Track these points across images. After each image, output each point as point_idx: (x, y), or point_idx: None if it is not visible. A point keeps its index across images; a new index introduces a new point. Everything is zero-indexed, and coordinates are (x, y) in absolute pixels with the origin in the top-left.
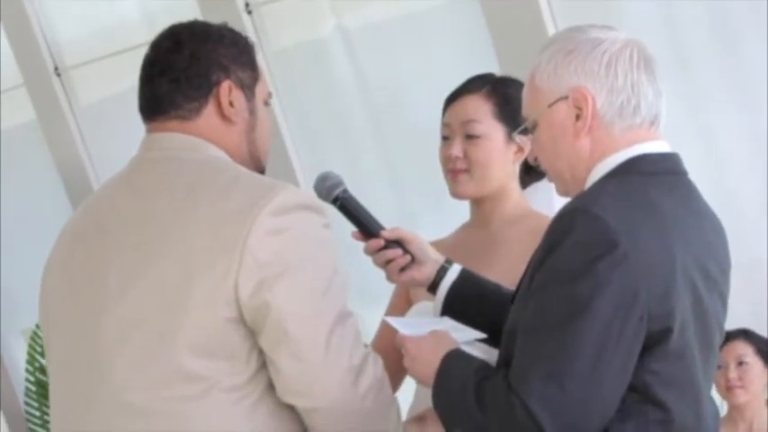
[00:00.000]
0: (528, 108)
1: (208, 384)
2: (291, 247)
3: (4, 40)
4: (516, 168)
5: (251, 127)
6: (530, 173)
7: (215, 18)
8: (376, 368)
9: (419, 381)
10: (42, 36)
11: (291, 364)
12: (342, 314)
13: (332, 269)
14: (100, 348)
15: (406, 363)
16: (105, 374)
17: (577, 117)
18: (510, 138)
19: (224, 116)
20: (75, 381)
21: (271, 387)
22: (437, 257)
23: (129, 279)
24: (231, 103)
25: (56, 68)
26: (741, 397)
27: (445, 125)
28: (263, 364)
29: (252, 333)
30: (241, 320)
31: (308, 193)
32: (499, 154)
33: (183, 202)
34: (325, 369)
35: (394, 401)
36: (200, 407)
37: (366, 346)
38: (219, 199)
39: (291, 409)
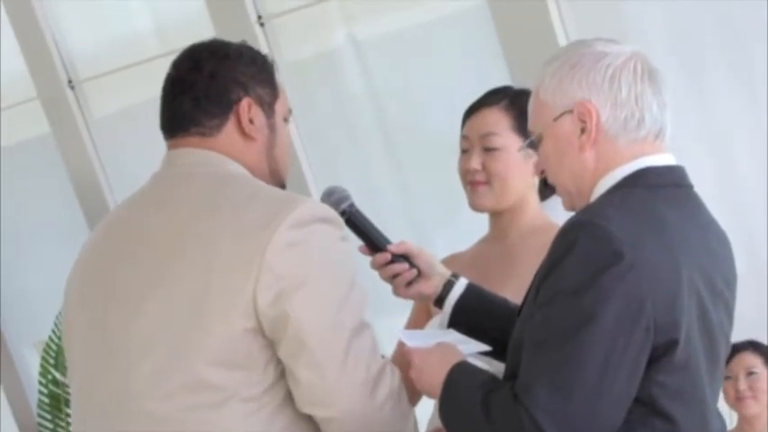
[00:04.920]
0: (534, 122)
1: (226, 394)
2: (309, 260)
3: (19, 54)
4: (535, 181)
5: (271, 143)
6: (549, 185)
7: (228, 30)
8: (393, 379)
9: (425, 393)
10: (56, 49)
11: (310, 375)
12: (359, 325)
13: (349, 281)
14: (121, 359)
15: (413, 374)
16: (126, 384)
17: (582, 130)
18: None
19: (244, 133)
20: (96, 390)
21: (289, 398)
22: (443, 271)
23: (148, 291)
24: (251, 120)
25: (69, 81)
26: (752, 408)
27: (464, 138)
28: (281, 374)
29: (270, 344)
30: (260, 331)
31: (325, 205)
32: (518, 166)
33: (203, 215)
34: (342, 380)
35: (411, 412)
36: (218, 417)
37: (383, 357)
38: (239, 213)
39: (309, 420)
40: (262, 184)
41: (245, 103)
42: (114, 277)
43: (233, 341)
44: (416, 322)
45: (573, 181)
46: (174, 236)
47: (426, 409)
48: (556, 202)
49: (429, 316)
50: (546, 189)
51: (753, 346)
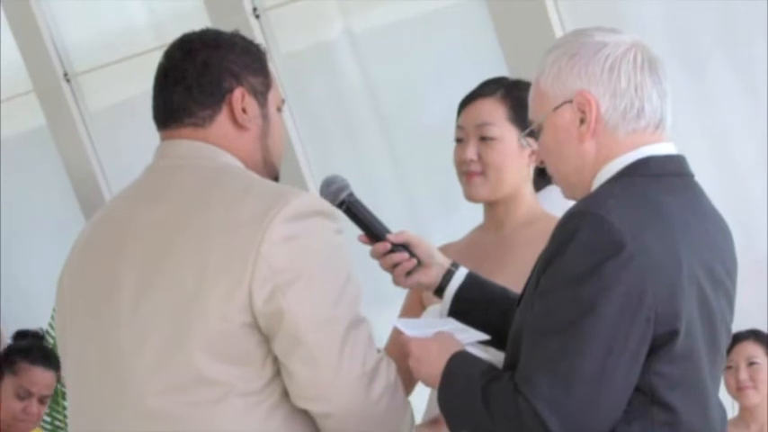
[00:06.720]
0: (534, 111)
1: (224, 390)
2: (305, 254)
3: (14, 47)
4: (530, 171)
5: (264, 133)
6: (544, 176)
7: (223, 22)
8: (389, 373)
9: (424, 382)
10: (52, 42)
11: (305, 370)
12: (355, 320)
13: (345, 275)
14: (118, 354)
15: (412, 364)
16: (124, 380)
17: (581, 121)
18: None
19: (237, 123)
20: (93, 387)
21: (287, 393)
22: (443, 261)
23: (144, 286)
24: (244, 110)
25: (65, 74)
26: (753, 398)
27: (459, 128)
28: (279, 369)
29: (265, 339)
30: (255, 326)
31: (320, 198)
32: (513, 157)
33: (196, 209)
34: (338, 374)
35: (407, 406)
36: (216, 412)
37: (379, 351)
38: (233, 206)
39: (307, 414)
40: (255, 176)
41: (237, 92)
42: (107, 273)
43: (230, 336)
44: (409, 312)
45: (574, 171)
46: (166, 230)
47: (422, 398)
48: (550, 192)
49: (422, 306)
50: (540, 179)
51: (754, 335)
